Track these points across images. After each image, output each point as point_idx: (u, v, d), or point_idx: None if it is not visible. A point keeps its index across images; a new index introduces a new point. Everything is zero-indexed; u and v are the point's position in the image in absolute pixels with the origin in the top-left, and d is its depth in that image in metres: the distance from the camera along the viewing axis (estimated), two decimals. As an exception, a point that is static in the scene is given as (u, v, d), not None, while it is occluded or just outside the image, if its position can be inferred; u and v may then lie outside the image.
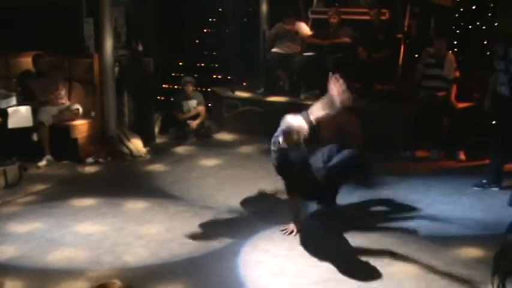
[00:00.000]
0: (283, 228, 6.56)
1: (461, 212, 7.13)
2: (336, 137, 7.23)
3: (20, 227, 6.88)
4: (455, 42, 10.35)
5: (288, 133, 6.28)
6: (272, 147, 6.50)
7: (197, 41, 13.28)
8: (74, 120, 9.52)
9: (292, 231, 6.51)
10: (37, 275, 5.76)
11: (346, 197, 7.43)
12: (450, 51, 9.45)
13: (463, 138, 9.06)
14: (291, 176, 6.42)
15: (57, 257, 6.13)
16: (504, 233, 3.80)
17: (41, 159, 9.11)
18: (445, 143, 9.18)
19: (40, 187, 8.27)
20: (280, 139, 6.37)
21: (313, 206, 7.15)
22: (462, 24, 10.67)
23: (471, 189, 7.72)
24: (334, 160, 6.62)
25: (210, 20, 13.35)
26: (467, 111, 9.35)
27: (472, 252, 6.03)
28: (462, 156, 9.05)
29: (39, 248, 6.32)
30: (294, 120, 6.32)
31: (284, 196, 7.02)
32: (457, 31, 10.69)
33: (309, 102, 10.52)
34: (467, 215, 7.03)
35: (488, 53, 9.79)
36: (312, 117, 6.42)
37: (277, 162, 6.42)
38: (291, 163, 6.28)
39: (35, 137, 9.22)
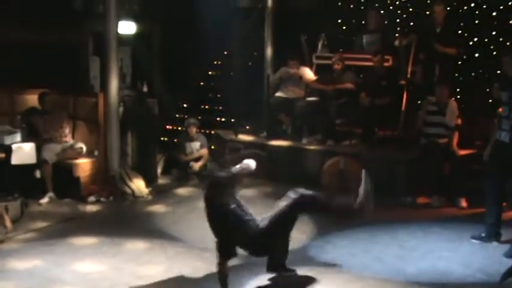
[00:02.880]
0: None
1: (461, 259, 7.10)
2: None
3: (19, 264, 6.86)
4: (458, 90, 10.43)
5: None
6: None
7: (202, 83, 13.38)
8: (77, 158, 9.57)
9: None
10: (35, 312, 5.75)
11: (344, 242, 7.43)
12: (452, 99, 9.52)
13: (464, 185, 9.07)
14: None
15: (56, 295, 6.12)
16: (499, 281, 3.78)
17: (43, 197, 9.13)
18: (447, 189, 9.20)
19: (41, 224, 8.28)
20: None
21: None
22: (465, 71, 10.79)
23: (478, 233, 7.67)
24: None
25: (215, 62, 13.48)
26: (469, 158, 9.38)
27: (472, 301, 6.02)
28: (463, 203, 9.06)
29: (38, 285, 6.30)
30: None
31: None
32: (460, 78, 10.79)
33: (311, 147, 10.65)
34: (468, 262, 7.00)
35: (490, 101, 9.86)
36: None
37: None
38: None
39: (37, 174, 9.26)
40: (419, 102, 10.20)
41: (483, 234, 7.60)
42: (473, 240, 7.60)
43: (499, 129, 7.45)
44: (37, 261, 6.95)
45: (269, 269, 6.31)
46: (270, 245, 6.21)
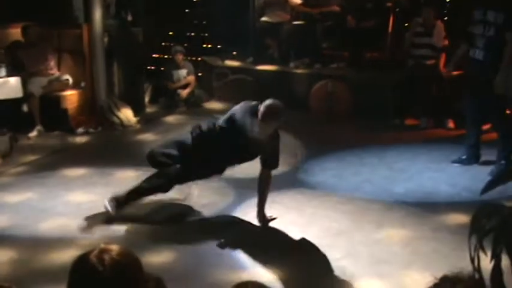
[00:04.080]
0: None
1: (448, 179, 7.21)
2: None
3: (11, 197, 6.91)
4: (445, 11, 10.36)
5: None
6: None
7: (187, 10, 13.23)
8: (64, 90, 9.53)
9: None
10: (29, 244, 5.81)
11: (332, 164, 7.52)
12: (439, 20, 9.47)
13: (451, 107, 9.11)
14: None
15: (49, 226, 6.18)
16: (480, 194, 3.86)
17: (31, 130, 9.12)
18: (434, 111, 9.25)
19: (31, 158, 8.30)
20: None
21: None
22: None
23: (458, 157, 7.73)
24: None
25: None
26: (456, 80, 9.39)
27: (459, 218, 6.10)
28: (451, 124, 9.13)
29: (31, 217, 6.37)
30: None
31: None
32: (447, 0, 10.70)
33: (299, 71, 10.64)
34: (454, 182, 7.11)
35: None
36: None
37: None
38: None
39: (25, 108, 9.23)
40: (406, 24, 10.14)
41: (463, 157, 7.65)
42: (455, 164, 7.63)
43: (472, 47, 7.36)
44: (29, 194, 7.00)
45: None
46: None
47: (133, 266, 2.40)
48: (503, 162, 7.29)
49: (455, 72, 8.66)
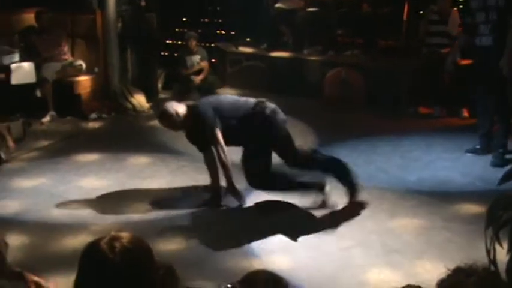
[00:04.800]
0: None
1: (461, 168, 7.17)
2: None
3: (24, 182, 6.94)
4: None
5: None
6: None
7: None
8: (77, 76, 9.53)
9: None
10: (41, 229, 5.82)
11: (345, 152, 7.49)
12: (455, 8, 9.39)
13: (466, 95, 9.03)
14: None
15: (61, 211, 6.19)
16: (497, 184, 3.82)
17: (44, 115, 9.14)
18: (448, 99, 9.18)
19: (44, 143, 8.32)
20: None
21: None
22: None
23: (472, 146, 7.68)
24: None
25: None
26: (471, 68, 9.31)
27: (472, 208, 6.07)
28: (465, 113, 9.08)
29: (44, 202, 6.38)
30: None
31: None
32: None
33: (312, 58, 10.60)
34: (469, 171, 7.06)
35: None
36: None
37: None
38: None
39: (38, 93, 9.24)
40: (421, 12, 10.07)
41: (477, 146, 7.59)
42: (468, 154, 7.58)
43: (477, 36, 7.29)
44: (42, 179, 7.02)
45: None
46: None
47: (144, 253, 2.38)
48: (500, 150, 7.31)
49: (467, 61, 8.58)
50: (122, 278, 2.29)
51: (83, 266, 2.35)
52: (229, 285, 2.48)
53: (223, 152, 6.04)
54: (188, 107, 6.17)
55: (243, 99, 6.31)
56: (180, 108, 6.11)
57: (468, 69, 8.18)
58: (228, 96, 6.89)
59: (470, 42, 7.52)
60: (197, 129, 6.14)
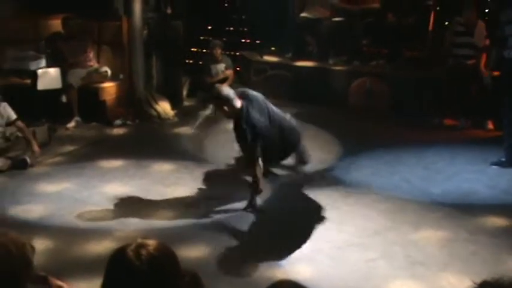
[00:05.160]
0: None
1: (486, 181, 7.10)
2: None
3: (49, 187, 6.98)
4: (486, 11, 10.21)
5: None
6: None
7: (226, 4, 13.23)
8: (102, 82, 9.58)
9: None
10: (65, 234, 5.86)
11: (369, 162, 7.47)
12: (481, 20, 9.33)
13: (491, 107, 8.97)
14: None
15: (85, 216, 6.22)
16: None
17: (69, 121, 9.20)
18: (474, 111, 9.12)
19: (69, 148, 8.38)
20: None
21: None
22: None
23: (498, 158, 7.60)
24: None
25: (240, -17, 13.29)
26: (496, 80, 9.26)
27: (498, 221, 6.02)
28: (490, 125, 9.01)
29: (68, 207, 6.42)
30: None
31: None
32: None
33: (337, 68, 10.58)
34: (494, 184, 7.00)
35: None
36: None
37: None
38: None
39: (63, 99, 9.30)
40: (446, 22, 10.02)
41: (503, 159, 7.52)
42: (493, 167, 7.50)
43: (506, 49, 7.25)
44: (66, 184, 7.06)
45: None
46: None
47: (170, 261, 2.39)
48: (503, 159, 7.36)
49: (494, 73, 8.53)
50: (148, 285, 2.30)
51: (110, 272, 2.35)
52: None
53: (254, 167, 6.22)
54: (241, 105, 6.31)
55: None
56: (237, 101, 6.27)
57: (496, 81, 8.15)
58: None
59: (499, 54, 7.48)
60: (239, 131, 6.33)
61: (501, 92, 7.52)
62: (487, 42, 9.12)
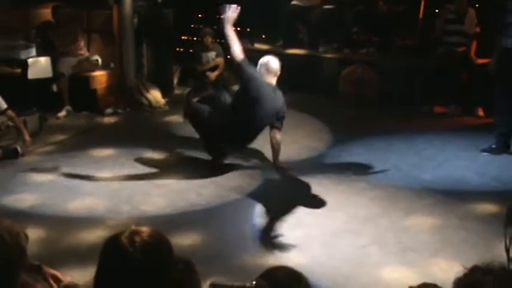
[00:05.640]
0: None
1: (477, 167, 7.13)
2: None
3: (40, 176, 6.97)
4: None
5: None
6: None
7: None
8: (93, 71, 9.57)
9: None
10: (57, 223, 5.87)
11: (360, 149, 7.49)
12: (471, 7, 9.34)
13: (481, 94, 9.00)
14: None
15: (77, 205, 6.23)
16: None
17: (60, 110, 9.18)
18: (464, 98, 9.15)
19: (60, 137, 8.37)
20: None
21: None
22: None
23: (488, 145, 7.63)
24: None
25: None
26: (487, 67, 9.29)
27: (488, 207, 6.06)
28: (480, 112, 9.03)
29: (59, 196, 6.42)
30: None
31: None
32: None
33: (328, 56, 10.58)
34: (484, 171, 7.03)
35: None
36: None
37: None
38: None
39: (54, 88, 9.28)
40: (436, 10, 10.03)
41: (493, 146, 7.55)
42: (484, 153, 7.53)
43: (505, 37, 7.25)
44: (57, 173, 7.05)
45: None
46: None
47: (163, 248, 2.40)
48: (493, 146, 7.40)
49: (484, 60, 8.54)
50: (142, 272, 2.31)
51: (104, 260, 2.36)
52: (254, 282, 2.48)
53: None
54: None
55: None
56: None
57: (484, 68, 8.16)
58: None
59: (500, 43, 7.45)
60: None
61: (499, 79, 7.51)
62: (478, 29, 9.15)
